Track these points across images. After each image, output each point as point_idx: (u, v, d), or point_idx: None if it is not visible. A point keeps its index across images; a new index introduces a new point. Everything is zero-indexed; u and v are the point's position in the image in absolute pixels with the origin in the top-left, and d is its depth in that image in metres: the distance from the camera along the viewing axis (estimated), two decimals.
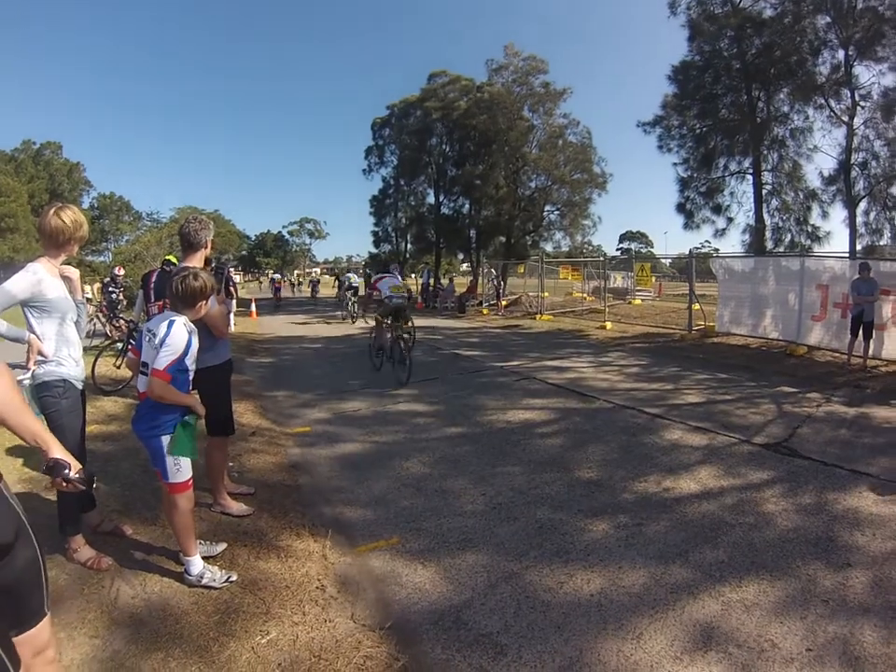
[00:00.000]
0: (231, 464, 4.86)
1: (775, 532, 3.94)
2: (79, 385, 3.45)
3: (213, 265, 4.94)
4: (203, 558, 3.39)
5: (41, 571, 1.79)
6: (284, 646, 2.76)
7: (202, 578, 3.26)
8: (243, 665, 2.63)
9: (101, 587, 3.22)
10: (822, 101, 19.03)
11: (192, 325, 3.21)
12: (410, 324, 9.85)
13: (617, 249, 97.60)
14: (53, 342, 3.27)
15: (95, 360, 8.10)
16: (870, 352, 10.37)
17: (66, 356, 3.33)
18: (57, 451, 1.89)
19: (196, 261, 4.14)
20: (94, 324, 14.28)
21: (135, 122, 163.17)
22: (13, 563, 1.68)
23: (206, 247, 4.27)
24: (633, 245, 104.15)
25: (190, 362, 3.19)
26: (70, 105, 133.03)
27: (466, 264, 43.97)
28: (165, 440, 3.12)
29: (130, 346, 8.44)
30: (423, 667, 2.65)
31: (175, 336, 3.04)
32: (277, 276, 41.47)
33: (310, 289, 40.62)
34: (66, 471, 1.86)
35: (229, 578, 3.32)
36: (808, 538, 3.86)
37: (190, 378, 3.26)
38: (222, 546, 3.67)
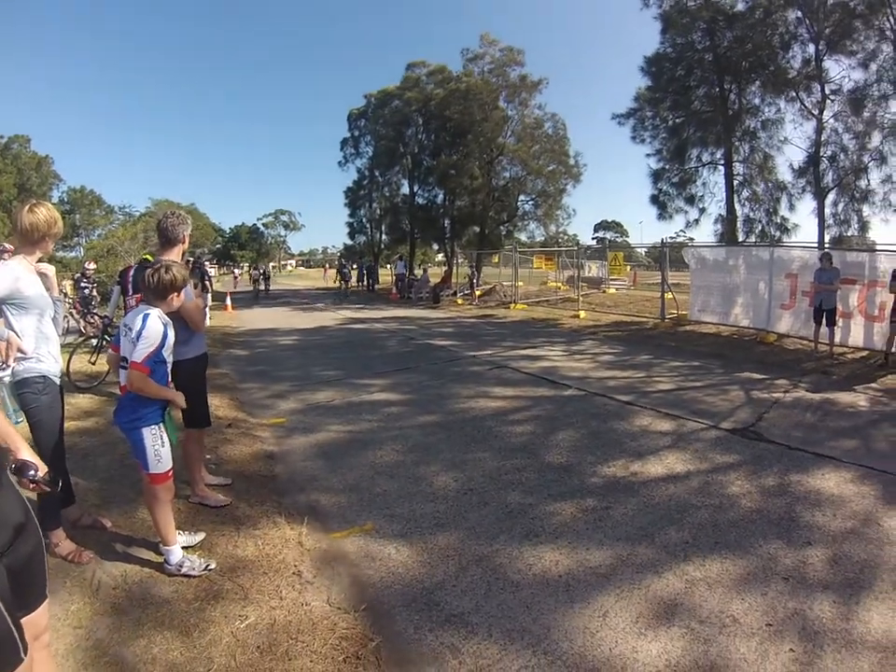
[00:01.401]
0: (207, 456, 4.88)
1: (738, 513, 4.07)
2: (58, 382, 3.46)
3: (191, 259, 4.96)
4: (183, 548, 3.44)
5: (44, 554, 1.85)
6: (262, 629, 2.82)
7: (181, 566, 3.30)
8: (223, 648, 2.68)
9: (83, 579, 3.25)
10: (793, 94, 19.34)
11: (167, 317, 3.24)
12: None
13: (592, 239, 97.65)
14: (32, 338, 3.27)
15: (70, 357, 7.97)
16: (836, 339, 10.60)
17: (45, 352, 3.33)
18: (25, 452, 1.92)
19: (173, 256, 4.16)
20: (68, 321, 14.10)
21: (106, 114, 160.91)
22: (24, 544, 1.73)
23: (184, 242, 4.30)
24: (608, 235, 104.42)
25: (167, 354, 3.23)
26: (38, 96, 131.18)
27: (441, 254, 43.93)
28: (146, 431, 3.17)
29: (107, 342, 8.41)
30: (396, 646, 2.72)
31: (151, 329, 3.08)
32: (237, 271, 40.40)
33: (254, 284, 34.45)
34: (32, 472, 1.88)
35: (207, 566, 3.37)
36: (771, 518, 3.99)
37: (168, 370, 3.30)
38: (201, 536, 3.72)
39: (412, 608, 3.01)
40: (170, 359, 3.28)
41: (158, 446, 3.21)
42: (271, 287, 36.64)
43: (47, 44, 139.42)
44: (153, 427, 3.19)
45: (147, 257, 7.49)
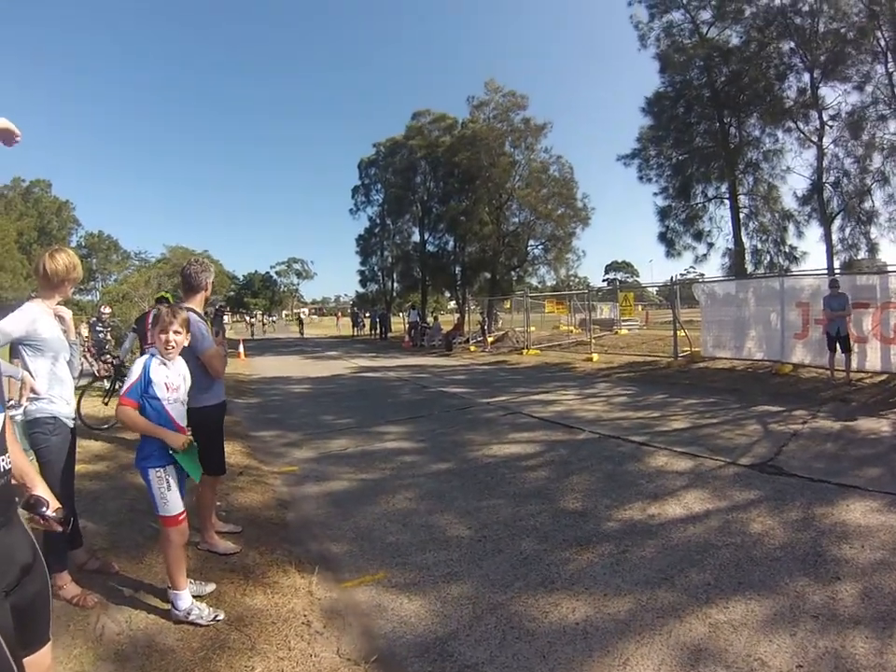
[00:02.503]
0: (218, 503, 4.83)
1: (762, 551, 3.95)
2: (70, 424, 3.48)
3: (215, 307, 5.02)
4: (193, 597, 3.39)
5: (49, 595, 1.85)
6: None
7: (189, 613, 3.25)
8: None
9: (86, 624, 3.19)
10: (791, 123, 19.48)
11: (163, 359, 3.28)
12: None
13: (603, 280, 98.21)
14: (46, 380, 3.33)
15: (80, 398, 7.98)
16: (852, 365, 10.49)
17: (58, 394, 3.38)
18: (40, 489, 1.92)
19: (196, 303, 4.22)
20: (82, 364, 14.19)
21: (123, 160, 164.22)
22: (31, 584, 1.73)
23: (206, 289, 4.36)
24: (618, 275, 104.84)
25: (161, 391, 3.22)
26: (58, 141, 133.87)
27: (452, 301, 44.18)
28: (152, 473, 3.19)
29: (119, 384, 8.41)
30: None
31: (136, 365, 3.21)
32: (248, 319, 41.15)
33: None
34: (44, 509, 1.88)
35: (216, 616, 3.30)
36: (796, 554, 3.87)
37: (168, 409, 3.26)
38: (211, 587, 3.65)
39: (424, 658, 2.92)
40: (167, 398, 3.26)
41: (163, 489, 3.20)
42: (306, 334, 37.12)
43: (68, 90, 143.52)
44: (158, 469, 3.19)
45: (164, 295, 7.60)
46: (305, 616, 3.34)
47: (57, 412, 3.36)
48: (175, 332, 3.28)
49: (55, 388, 3.37)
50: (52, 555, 3.30)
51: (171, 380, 3.27)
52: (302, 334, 44.68)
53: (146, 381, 3.17)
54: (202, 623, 3.23)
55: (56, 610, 3.16)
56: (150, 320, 7.10)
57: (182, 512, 3.29)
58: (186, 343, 3.44)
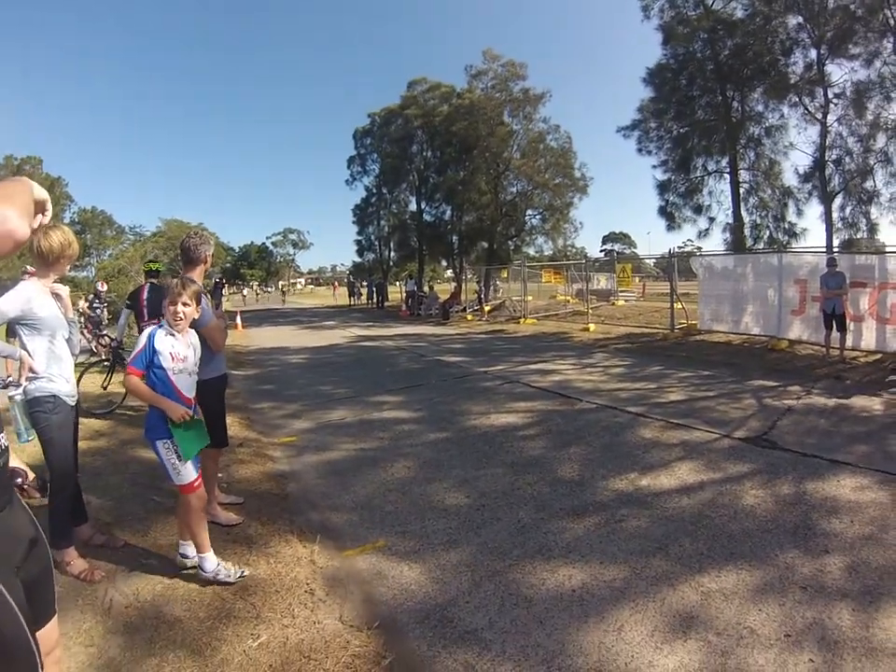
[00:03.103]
0: (219, 475, 4.89)
1: (754, 523, 4.03)
2: (70, 402, 3.50)
3: (213, 280, 5.02)
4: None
5: (52, 571, 1.88)
6: (274, 648, 2.81)
7: (217, 574, 3.37)
8: (235, 667, 2.68)
9: (95, 598, 3.27)
10: (796, 99, 19.41)
11: (171, 330, 3.30)
12: None
13: (600, 251, 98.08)
14: (44, 358, 3.34)
15: (80, 378, 7.76)
16: (848, 343, 10.56)
17: (57, 372, 3.38)
18: (14, 460, 1.95)
19: (196, 275, 4.22)
20: (80, 340, 14.19)
21: (115, 134, 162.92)
22: (36, 559, 1.76)
23: (206, 262, 4.36)
24: (616, 247, 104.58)
25: (166, 361, 3.25)
26: (48, 117, 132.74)
27: (449, 271, 44.07)
28: (160, 444, 3.25)
29: (119, 366, 8.43)
30: (409, 664, 2.71)
31: (142, 335, 3.26)
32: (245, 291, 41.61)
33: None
34: (19, 479, 1.91)
35: (242, 573, 3.44)
36: (787, 527, 3.94)
37: (173, 379, 3.29)
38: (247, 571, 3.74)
39: (425, 624, 3.00)
40: (171, 367, 3.28)
41: (173, 459, 3.26)
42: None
43: (58, 67, 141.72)
44: (165, 440, 3.24)
45: (153, 267, 7.53)
46: (308, 584, 3.42)
47: (56, 390, 3.38)
48: (184, 304, 3.29)
49: (54, 367, 3.38)
50: (58, 532, 3.38)
51: (177, 350, 3.29)
52: (283, 302, 49.09)
53: (150, 350, 3.19)
54: (230, 580, 3.37)
55: (64, 585, 3.26)
56: (144, 295, 7.11)
57: (197, 479, 3.36)
58: (196, 316, 3.45)
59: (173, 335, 3.30)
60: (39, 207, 1.70)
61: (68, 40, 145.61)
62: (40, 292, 3.31)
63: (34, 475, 2.00)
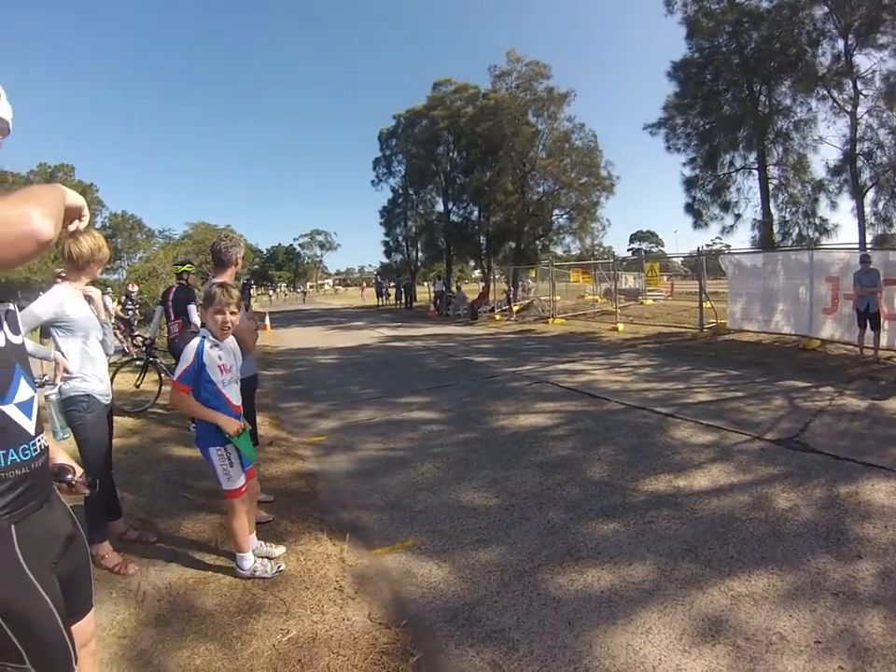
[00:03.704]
0: (253, 472, 4.98)
1: (785, 526, 3.98)
2: (104, 401, 3.61)
3: (241, 282, 5.09)
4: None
5: (90, 565, 1.93)
6: (304, 643, 2.86)
7: (255, 572, 3.48)
8: (265, 661, 2.73)
9: (128, 590, 3.37)
10: (824, 91, 19.01)
11: (217, 340, 3.34)
12: None
13: (628, 250, 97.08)
14: (78, 359, 3.45)
15: (113, 377, 7.91)
16: (882, 342, 10.36)
17: (90, 373, 3.50)
18: (62, 458, 2.00)
19: (226, 277, 4.30)
20: (114, 342, 14.46)
21: (145, 140, 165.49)
22: (73, 554, 1.80)
23: (236, 264, 4.44)
24: (643, 245, 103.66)
25: (215, 374, 3.30)
26: (81, 123, 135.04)
27: (477, 271, 44.03)
28: (213, 451, 3.33)
29: (151, 364, 8.58)
30: (437, 662, 2.74)
31: (187, 348, 3.25)
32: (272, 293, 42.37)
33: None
34: (70, 476, 1.96)
35: (279, 568, 3.53)
36: (819, 531, 3.89)
37: (223, 391, 3.35)
38: (281, 549, 3.84)
39: (453, 623, 3.02)
40: (222, 380, 3.34)
41: (226, 465, 3.35)
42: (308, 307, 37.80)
43: (87, 77, 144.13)
44: (219, 448, 3.32)
45: (183, 268, 7.66)
46: (338, 581, 3.46)
47: (90, 389, 3.48)
48: (232, 312, 3.33)
49: (87, 367, 3.48)
50: (93, 526, 3.47)
51: (224, 361, 3.35)
52: (304, 301, 55.40)
53: (199, 364, 3.23)
54: (267, 576, 3.47)
55: (99, 578, 3.33)
56: (171, 296, 7.27)
57: (245, 484, 3.46)
58: (238, 323, 3.49)
59: (218, 346, 3.33)
60: (75, 213, 1.74)
61: (104, 46, 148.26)
62: (73, 295, 3.42)
63: (82, 471, 2.05)
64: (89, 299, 3.57)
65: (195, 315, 7.02)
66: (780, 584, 3.27)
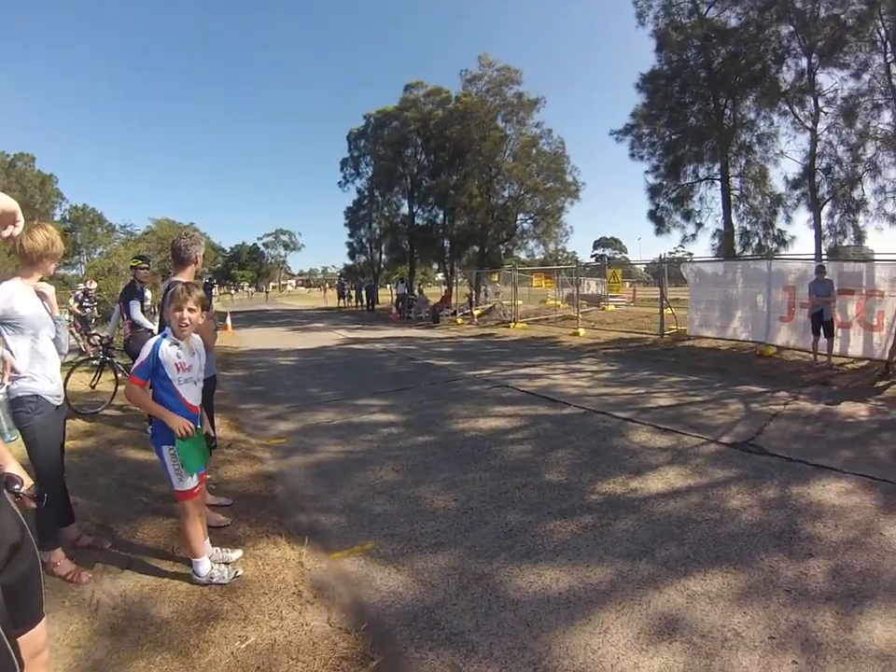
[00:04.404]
0: (208, 476, 4.89)
1: (739, 527, 4.06)
2: (54, 402, 3.45)
3: (203, 281, 5.04)
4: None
5: (40, 574, 1.87)
6: (262, 650, 2.81)
7: (211, 578, 3.40)
8: (223, 669, 2.68)
9: (81, 599, 3.27)
10: (787, 107, 19.59)
11: (176, 339, 3.29)
12: None
13: (591, 256, 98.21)
14: (27, 358, 3.30)
15: (67, 377, 7.75)
16: (834, 349, 10.66)
17: (39, 372, 3.34)
18: (12, 466, 1.94)
19: (186, 276, 4.24)
20: (68, 339, 14.10)
21: (108, 132, 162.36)
22: (20, 563, 1.75)
23: (196, 262, 4.37)
24: (607, 251, 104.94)
25: (171, 372, 3.24)
26: (42, 114, 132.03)
27: (440, 274, 44.12)
28: (165, 450, 3.26)
29: (108, 364, 8.39)
30: (397, 666, 2.71)
31: (147, 344, 3.22)
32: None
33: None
34: (18, 486, 1.90)
35: (236, 573, 3.47)
36: (772, 531, 3.99)
37: (179, 390, 3.30)
38: (237, 553, 3.77)
39: (412, 627, 3.00)
40: (179, 378, 3.29)
41: (178, 465, 3.27)
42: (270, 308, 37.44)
43: (53, 64, 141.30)
44: (171, 446, 3.25)
45: (135, 263, 7.56)
46: (296, 586, 3.42)
47: (39, 390, 3.34)
48: (190, 310, 3.27)
49: (37, 366, 3.34)
50: (44, 533, 3.36)
51: (182, 360, 3.29)
52: (266, 300, 56.26)
53: (155, 361, 3.18)
54: (224, 582, 3.40)
55: (51, 587, 3.25)
56: (124, 293, 7.17)
57: (197, 486, 3.39)
58: (201, 322, 3.44)
59: (177, 344, 3.29)
60: (9, 218, 1.68)
61: (64, 38, 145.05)
62: (23, 291, 3.29)
63: (31, 482, 1.99)
64: (41, 295, 3.46)
65: (136, 312, 6.92)
66: (735, 583, 3.34)
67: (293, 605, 3.22)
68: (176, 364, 3.26)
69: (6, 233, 1.69)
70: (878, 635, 2.81)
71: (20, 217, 1.70)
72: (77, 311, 14.65)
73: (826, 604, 3.09)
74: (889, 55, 17.27)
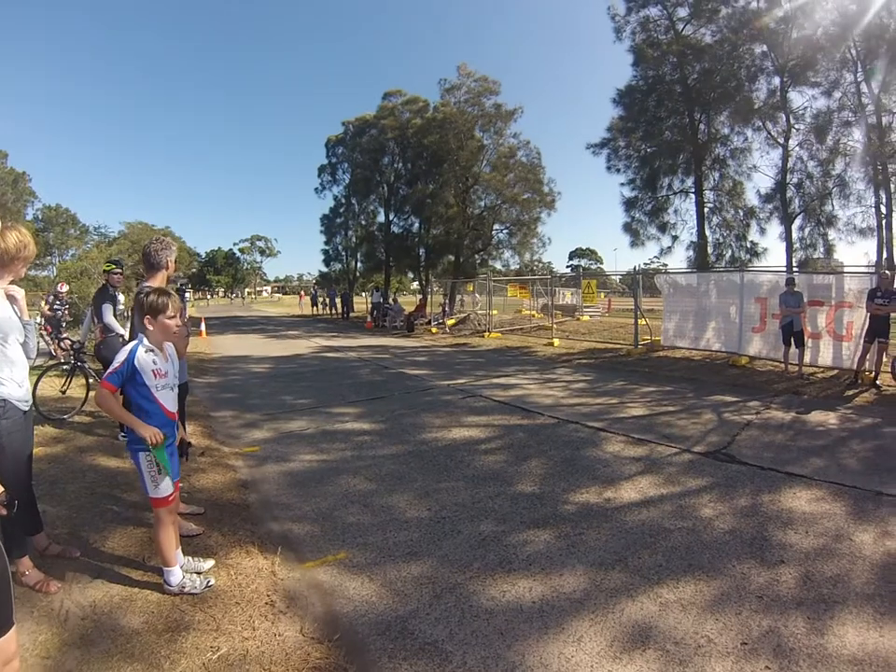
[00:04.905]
0: (181, 484, 4.83)
1: (711, 535, 4.10)
2: (22, 407, 3.35)
3: (177, 286, 5.00)
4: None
5: (10, 582, 1.82)
6: (234, 660, 2.77)
7: (183, 588, 3.34)
8: None
9: (50, 609, 3.19)
10: (760, 123, 20.03)
11: (152, 345, 3.27)
12: None
13: (567, 266, 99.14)
14: None
15: (37, 382, 7.49)
16: (805, 359, 10.86)
17: (7, 377, 3.25)
18: None
19: (157, 282, 4.20)
20: (38, 343, 13.87)
21: (83, 133, 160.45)
22: None
23: (168, 268, 4.33)
24: (583, 262, 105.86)
25: (149, 378, 3.22)
26: (15, 110, 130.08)
27: (416, 283, 44.15)
28: (142, 456, 3.21)
29: (79, 369, 8.24)
30: None
31: (122, 350, 3.18)
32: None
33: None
34: None
35: (208, 583, 3.41)
36: (743, 538, 4.03)
37: (157, 396, 3.27)
38: (209, 563, 3.71)
39: (385, 636, 2.98)
40: (157, 385, 3.26)
41: (154, 472, 3.23)
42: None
43: (27, 58, 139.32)
44: (147, 452, 3.19)
45: (108, 267, 7.49)
46: (269, 596, 3.38)
47: (7, 395, 3.23)
48: (169, 317, 3.31)
49: (5, 370, 3.24)
50: (12, 541, 3.26)
51: (159, 366, 3.27)
52: (242, 306, 55.77)
53: (130, 368, 3.15)
54: (196, 592, 3.34)
55: (20, 597, 3.17)
56: (96, 297, 7.09)
57: (172, 493, 3.34)
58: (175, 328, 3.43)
59: (153, 350, 3.26)
60: None
61: (41, 34, 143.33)
62: None
63: (2, 490, 1.95)
64: (11, 298, 3.38)
65: (108, 316, 6.85)
66: (707, 590, 3.36)
67: (266, 615, 3.18)
68: (153, 371, 3.23)
69: None
70: (850, 639, 2.85)
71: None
72: (48, 313, 14.38)
73: (798, 609, 3.13)
74: (859, 74, 17.69)
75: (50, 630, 3.01)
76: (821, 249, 19.50)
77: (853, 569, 3.57)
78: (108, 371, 3.15)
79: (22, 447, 3.39)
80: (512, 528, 4.31)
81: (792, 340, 10.78)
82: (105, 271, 7.52)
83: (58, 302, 14.62)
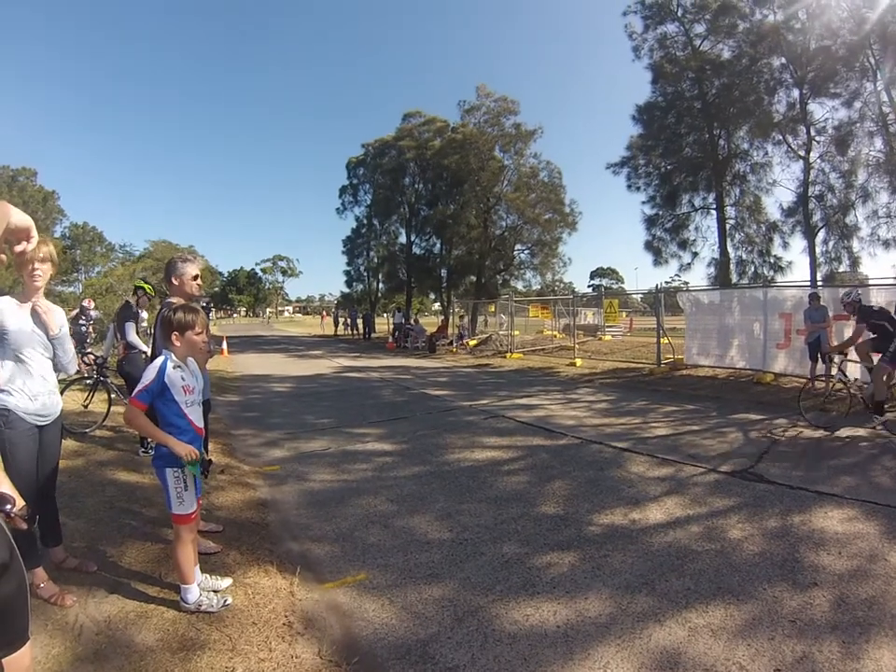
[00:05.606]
0: (200, 501, 4.81)
1: (741, 557, 3.98)
2: (29, 419, 3.34)
3: (200, 304, 5.02)
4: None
5: (27, 595, 1.81)
6: None
7: (200, 605, 3.30)
8: None
9: (65, 623, 3.16)
10: (780, 137, 19.86)
11: (179, 361, 3.28)
12: None
13: (588, 286, 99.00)
14: (8, 371, 3.26)
15: (61, 395, 7.58)
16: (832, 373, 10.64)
17: (19, 387, 3.28)
18: (5, 486, 1.89)
19: (179, 297, 4.21)
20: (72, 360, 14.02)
21: (111, 152, 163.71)
22: (7, 583, 1.70)
23: (189, 280, 4.35)
24: (604, 282, 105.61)
25: (179, 395, 3.23)
26: (46, 130, 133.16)
27: (437, 303, 44.27)
28: (168, 472, 3.21)
29: (102, 384, 8.30)
30: None
31: (150, 368, 3.18)
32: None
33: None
34: (9, 507, 1.86)
35: (225, 601, 3.36)
36: (774, 560, 3.91)
37: (186, 412, 3.28)
38: (227, 581, 3.68)
39: (405, 661, 2.91)
40: (184, 400, 3.27)
41: (180, 489, 3.23)
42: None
43: (57, 79, 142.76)
44: (175, 468, 3.20)
45: (140, 284, 7.58)
46: (286, 617, 3.33)
47: (13, 405, 3.26)
48: (197, 333, 3.33)
49: (17, 381, 3.28)
50: (25, 551, 3.25)
51: (187, 382, 3.29)
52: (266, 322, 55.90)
53: (160, 384, 3.16)
54: (213, 610, 3.30)
55: (34, 609, 3.13)
56: (119, 313, 7.17)
57: (194, 511, 3.33)
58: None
59: (180, 367, 3.27)
60: (23, 234, 1.65)
61: (67, 47, 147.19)
62: (12, 306, 3.28)
63: (23, 503, 1.94)
64: (35, 313, 3.41)
65: (131, 333, 6.91)
66: (738, 614, 3.25)
67: (283, 636, 3.13)
68: (183, 387, 3.25)
69: (18, 248, 1.66)
70: (886, 663, 2.74)
71: (34, 233, 1.68)
72: (73, 328, 14.53)
73: (832, 633, 3.01)
74: (879, 82, 17.54)
75: (64, 644, 2.97)
76: (846, 262, 19.23)
77: (889, 591, 3.44)
78: (137, 388, 3.15)
79: (25, 458, 3.35)
80: (536, 550, 4.22)
81: (818, 355, 10.59)
82: (136, 287, 7.58)
83: (83, 317, 14.80)
